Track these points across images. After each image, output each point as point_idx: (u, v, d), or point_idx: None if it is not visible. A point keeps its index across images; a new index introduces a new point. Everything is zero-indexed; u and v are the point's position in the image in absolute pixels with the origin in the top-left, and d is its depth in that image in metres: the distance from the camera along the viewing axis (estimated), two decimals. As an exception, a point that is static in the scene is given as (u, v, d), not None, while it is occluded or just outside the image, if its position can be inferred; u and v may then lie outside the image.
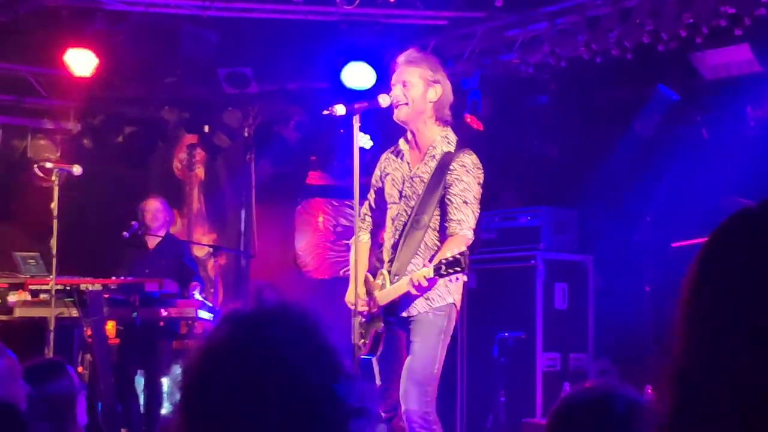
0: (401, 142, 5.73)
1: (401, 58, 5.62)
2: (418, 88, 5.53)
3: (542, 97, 9.63)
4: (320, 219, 11.70)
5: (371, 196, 5.88)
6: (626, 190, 9.27)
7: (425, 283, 5.19)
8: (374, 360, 5.58)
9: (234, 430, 1.64)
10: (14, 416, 2.69)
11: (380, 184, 5.77)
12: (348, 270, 11.19)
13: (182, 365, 1.83)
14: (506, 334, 8.59)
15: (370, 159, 9.34)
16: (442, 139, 5.58)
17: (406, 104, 5.54)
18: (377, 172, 5.81)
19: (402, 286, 5.35)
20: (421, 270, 5.25)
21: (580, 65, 8.57)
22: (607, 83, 9.21)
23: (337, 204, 11.68)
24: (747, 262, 1.30)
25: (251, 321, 1.72)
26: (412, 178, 5.57)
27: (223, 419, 1.64)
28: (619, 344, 9.23)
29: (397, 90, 5.55)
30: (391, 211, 5.66)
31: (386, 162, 5.76)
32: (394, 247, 5.56)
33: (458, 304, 5.55)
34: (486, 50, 9.14)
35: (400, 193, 5.61)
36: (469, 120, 9.63)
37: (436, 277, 5.15)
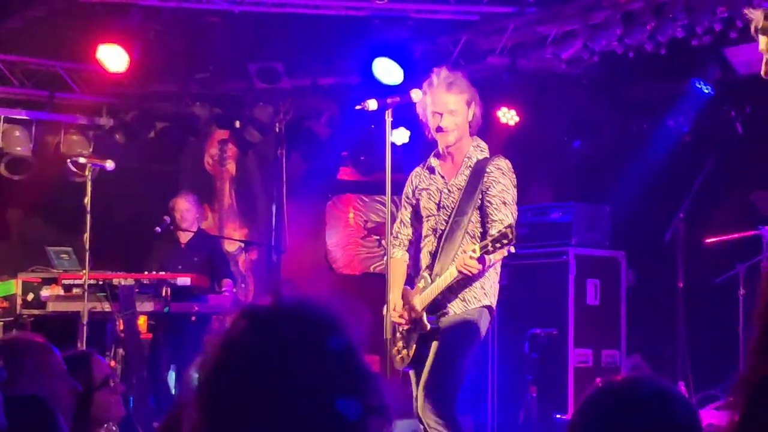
0: (432, 159, 5.80)
1: (438, 81, 5.63)
2: (461, 114, 5.62)
3: (575, 92, 9.58)
4: (351, 215, 11.70)
5: (403, 213, 5.91)
6: (659, 186, 9.22)
7: (472, 263, 5.18)
8: (413, 373, 5.60)
9: (246, 426, 1.63)
10: (44, 409, 2.70)
11: (414, 201, 5.81)
12: (378, 266, 11.21)
13: (200, 359, 1.82)
14: (538, 330, 8.55)
15: (402, 155, 9.36)
16: (474, 148, 5.68)
17: (455, 131, 5.62)
18: (409, 189, 5.86)
19: (444, 280, 5.37)
20: (464, 255, 5.24)
21: (614, 60, 8.51)
22: (640, 78, 9.16)
23: (367, 200, 11.68)
24: None
25: (268, 317, 1.71)
26: (449, 189, 5.65)
27: (236, 415, 1.64)
28: (652, 341, 9.19)
29: (448, 121, 5.59)
30: (429, 223, 5.70)
31: (418, 179, 5.83)
32: (434, 253, 5.60)
33: (494, 306, 5.56)
34: (518, 45, 9.10)
35: (438, 204, 5.67)
36: (502, 115, 9.61)
37: (484, 257, 5.16)
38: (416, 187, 5.81)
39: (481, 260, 5.18)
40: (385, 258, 6.06)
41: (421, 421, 5.40)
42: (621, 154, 9.65)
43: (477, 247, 5.16)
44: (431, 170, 5.77)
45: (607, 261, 9.06)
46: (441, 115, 5.58)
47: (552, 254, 8.94)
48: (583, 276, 8.86)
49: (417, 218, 5.81)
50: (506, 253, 5.33)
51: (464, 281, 5.41)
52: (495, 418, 8.95)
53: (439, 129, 5.59)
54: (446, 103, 5.59)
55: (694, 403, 7.52)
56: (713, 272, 8.29)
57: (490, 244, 5.12)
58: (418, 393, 5.40)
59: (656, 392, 2.11)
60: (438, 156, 5.76)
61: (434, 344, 5.45)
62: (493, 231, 5.31)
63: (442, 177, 5.69)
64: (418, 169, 5.87)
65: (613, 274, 9.04)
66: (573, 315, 8.73)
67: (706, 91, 8.78)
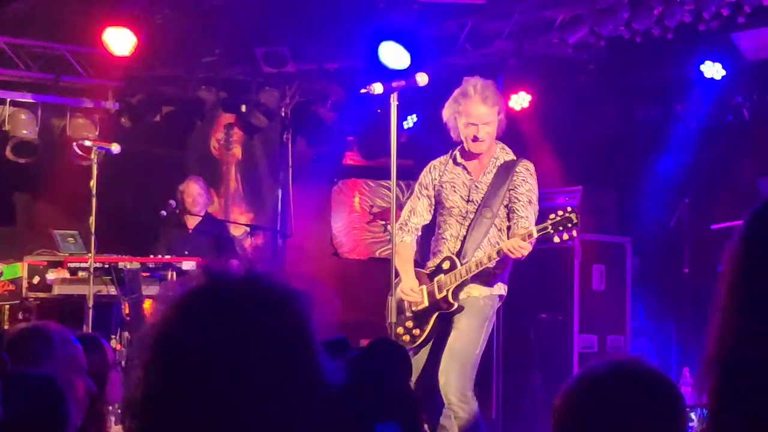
0: (458, 154, 6.01)
1: (473, 92, 5.86)
2: (494, 124, 5.90)
3: (582, 77, 9.55)
4: (356, 199, 11.69)
5: (415, 202, 6.05)
6: (665, 171, 9.20)
7: (525, 245, 5.51)
8: (426, 349, 5.78)
9: (194, 392, 1.61)
10: (53, 389, 2.70)
11: (433, 192, 5.95)
12: (384, 251, 11.22)
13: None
14: (543, 315, 8.54)
15: (407, 140, 9.35)
16: (501, 150, 5.99)
17: (488, 140, 5.89)
18: (427, 180, 6.03)
19: (483, 261, 5.57)
20: (515, 240, 5.54)
21: (621, 45, 8.48)
22: (647, 63, 9.12)
23: (373, 184, 11.66)
24: None
25: (228, 282, 1.69)
26: (476, 185, 5.91)
27: (182, 378, 1.61)
28: (657, 327, 9.18)
29: (482, 132, 5.84)
30: (455, 211, 5.93)
31: (439, 170, 6.02)
32: (463, 240, 5.86)
33: (504, 297, 5.90)
34: (524, 30, 9.06)
35: (467, 198, 5.93)
36: (515, 100, 9.56)
37: (532, 241, 5.52)
38: (437, 179, 6.01)
39: (533, 242, 5.55)
40: (390, 243, 6.10)
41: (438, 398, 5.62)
42: (627, 139, 9.63)
43: (534, 230, 5.51)
44: (456, 163, 5.98)
45: (613, 246, 9.05)
46: (477, 126, 5.82)
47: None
48: (589, 261, 8.85)
49: (433, 208, 6.02)
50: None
51: (490, 268, 5.71)
52: (500, 403, 8.95)
53: (475, 139, 5.83)
54: (482, 116, 5.83)
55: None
56: (719, 258, 8.26)
57: (550, 226, 5.49)
58: (440, 372, 5.57)
59: (635, 375, 2.12)
60: (464, 154, 5.97)
61: (458, 326, 5.64)
62: (520, 226, 5.68)
63: (469, 174, 5.93)
64: (439, 161, 6.08)
65: (619, 260, 9.03)
66: (578, 301, 8.72)
67: (714, 77, 8.73)
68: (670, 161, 9.22)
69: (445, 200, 5.98)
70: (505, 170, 5.89)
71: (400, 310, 5.78)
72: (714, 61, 8.66)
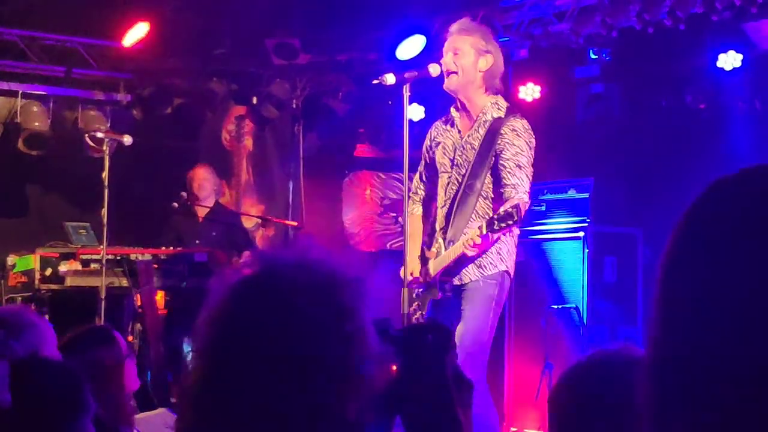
0: (452, 110, 5.72)
1: (454, 27, 5.62)
2: (469, 57, 5.53)
3: (593, 68, 9.53)
4: (367, 192, 11.69)
5: (422, 167, 5.87)
6: (677, 162, 9.17)
7: (478, 241, 5.16)
8: None
9: (245, 369, 1.63)
10: (73, 379, 2.72)
11: (430, 154, 5.76)
12: (395, 243, 11.20)
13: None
14: (554, 306, 8.54)
15: (419, 131, 9.33)
16: (492, 105, 5.58)
17: (456, 72, 5.53)
18: (427, 142, 5.81)
19: (456, 249, 5.35)
20: (473, 230, 5.23)
21: (632, 36, 8.46)
22: (659, 54, 9.09)
23: (384, 177, 11.67)
24: (726, 234, 1.20)
25: (282, 269, 1.71)
26: (463, 146, 5.57)
27: (235, 366, 1.64)
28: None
29: (447, 58, 5.56)
30: (443, 180, 5.66)
31: (436, 131, 5.76)
32: (447, 215, 5.55)
33: (512, 272, 5.53)
34: (536, 21, 9.05)
35: (452, 161, 5.61)
36: (524, 90, 9.55)
37: (489, 234, 5.13)
38: (433, 140, 5.77)
39: (484, 237, 5.16)
40: (401, 235, 6.07)
41: None
42: (638, 130, 9.60)
43: (483, 225, 5.14)
44: (450, 122, 5.71)
45: (625, 237, 9.03)
46: (447, 55, 5.54)
47: (569, 230, 8.91)
48: (600, 253, 8.84)
49: (434, 172, 5.76)
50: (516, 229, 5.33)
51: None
52: (511, 394, 8.96)
53: (448, 73, 5.51)
54: (453, 42, 5.56)
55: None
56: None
57: (496, 222, 5.08)
58: None
59: (631, 364, 2.13)
60: (456, 108, 5.69)
61: (463, 313, 5.43)
62: (505, 201, 5.29)
63: (459, 131, 5.62)
64: (438, 122, 5.83)
65: (630, 251, 9.02)
66: (589, 292, 8.71)
67: (726, 68, 8.70)
68: (682, 151, 9.19)
69: (438, 164, 5.68)
70: (493, 132, 5.44)
71: (410, 296, 5.63)
72: (726, 51, 8.63)
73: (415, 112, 9.75)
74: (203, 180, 9.24)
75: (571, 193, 9.14)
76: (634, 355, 2.17)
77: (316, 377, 1.62)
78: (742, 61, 8.51)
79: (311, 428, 1.62)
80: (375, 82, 5.52)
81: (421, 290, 5.61)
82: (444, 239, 5.53)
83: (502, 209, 5.15)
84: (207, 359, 1.68)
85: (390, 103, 9.87)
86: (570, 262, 8.83)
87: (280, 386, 1.61)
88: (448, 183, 5.61)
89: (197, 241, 8.85)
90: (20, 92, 10.15)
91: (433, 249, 5.58)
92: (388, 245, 11.42)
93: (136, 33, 9.54)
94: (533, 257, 8.85)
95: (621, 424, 2.11)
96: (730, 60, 8.54)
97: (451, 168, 5.62)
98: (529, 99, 9.65)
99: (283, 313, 1.64)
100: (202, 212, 9.28)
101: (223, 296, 1.70)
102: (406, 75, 5.50)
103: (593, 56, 9.48)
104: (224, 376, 1.64)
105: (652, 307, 1.29)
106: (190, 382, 1.69)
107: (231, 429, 1.62)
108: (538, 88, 9.59)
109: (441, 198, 5.67)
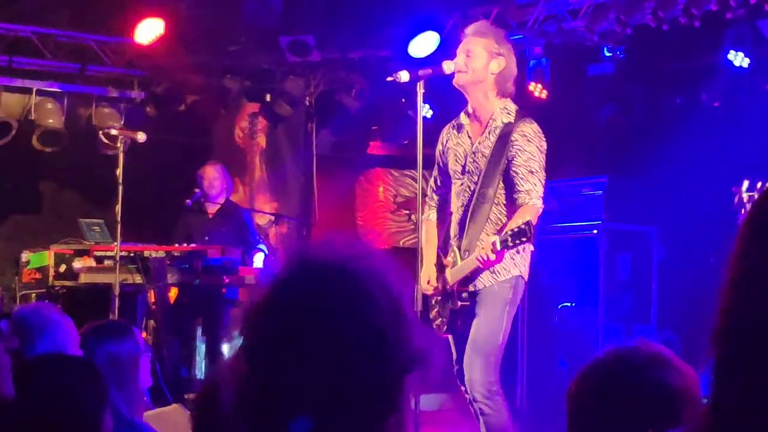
0: (462, 116, 5.70)
1: (469, 29, 5.62)
2: (481, 59, 5.51)
3: (608, 65, 9.51)
4: (381, 189, 11.69)
5: (436, 172, 5.85)
6: (691, 160, 9.15)
7: (493, 257, 5.18)
8: (451, 339, 5.58)
9: (291, 366, 1.64)
10: (93, 372, 2.73)
11: (444, 159, 5.74)
12: (408, 240, 11.19)
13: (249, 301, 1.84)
14: (568, 304, 8.53)
15: (431, 129, 9.32)
16: (501, 110, 5.53)
17: (466, 72, 5.52)
18: (439, 147, 5.79)
19: (471, 263, 5.34)
20: (487, 244, 5.23)
21: (647, 33, 8.44)
22: (673, 51, 9.07)
23: (397, 174, 11.67)
24: None
25: (320, 264, 1.73)
26: (474, 152, 5.55)
27: (282, 353, 1.65)
28: (683, 316, 9.13)
29: (460, 59, 5.53)
30: (455, 187, 5.65)
31: (447, 136, 5.74)
32: (461, 222, 5.54)
33: (526, 276, 5.52)
34: (550, 18, 9.03)
35: (464, 168, 5.59)
36: (532, 88, 9.54)
37: (504, 250, 5.14)
38: (445, 145, 5.74)
39: (499, 253, 5.18)
40: (414, 232, 6.05)
41: (466, 391, 5.43)
42: (653, 128, 9.58)
43: (497, 240, 5.14)
44: (460, 128, 5.68)
45: (639, 235, 9.01)
46: (457, 56, 5.54)
47: (583, 228, 8.90)
48: (614, 250, 8.82)
49: (447, 177, 5.74)
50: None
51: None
52: (524, 392, 8.95)
53: (458, 71, 5.49)
54: (466, 43, 5.54)
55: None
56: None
57: (509, 239, 5.09)
58: (464, 367, 5.40)
59: (649, 359, 2.18)
60: (467, 114, 5.67)
61: (477, 317, 5.44)
62: (519, 207, 5.31)
63: (470, 137, 5.60)
64: (448, 127, 5.79)
65: (645, 249, 9.00)
66: (604, 289, 8.69)
67: (741, 64, 8.67)
68: (697, 149, 9.17)
69: (450, 170, 5.66)
70: (504, 138, 5.42)
71: (427, 298, 5.64)
72: (740, 49, 8.60)
73: (425, 110, 9.73)
74: (213, 179, 9.24)
75: (585, 191, 9.13)
76: (651, 352, 2.20)
77: (382, 351, 1.65)
78: (756, 58, 8.48)
79: (387, 399, 1.67)
80: (389, 79, 5.51)
81: (439, 298, 5.62)
82: (459, 248, 5.52)
83: (514, 224, 5.13)
84: (250, 356, 1.69)
85: (404, 101, 9.87)
86: (584, 260, 8.81)
87: (322, 382, 1.64)
88: (461, 190, 5.60)
89: (206, 238, 8.86)
90: (35, 89, 10.18)
91: (449, 258, 5.57)
92: (401, 243, 11.42)
93: (153, 31, 9.55)
94: (547, 255, 8.83)
95: (638, 419, 2.14)
96: (744, 57, 8.51)
97: (463, 175, 5.59)
98: (543, 96, 9.63)
99: (357, 296, 1.68)
100: (212, 209, 9.29)
101: (266, 292, 1.72)
102: (420, 72, 5.49)
103: (607, 53, 9.46)
104: (267, 373, 1.66)
105: (727, 283, 1.34)
106: (234, 376, 1.71)
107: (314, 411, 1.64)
108: (550, 85, 9.57)
109: (454, 204, 5.66)
